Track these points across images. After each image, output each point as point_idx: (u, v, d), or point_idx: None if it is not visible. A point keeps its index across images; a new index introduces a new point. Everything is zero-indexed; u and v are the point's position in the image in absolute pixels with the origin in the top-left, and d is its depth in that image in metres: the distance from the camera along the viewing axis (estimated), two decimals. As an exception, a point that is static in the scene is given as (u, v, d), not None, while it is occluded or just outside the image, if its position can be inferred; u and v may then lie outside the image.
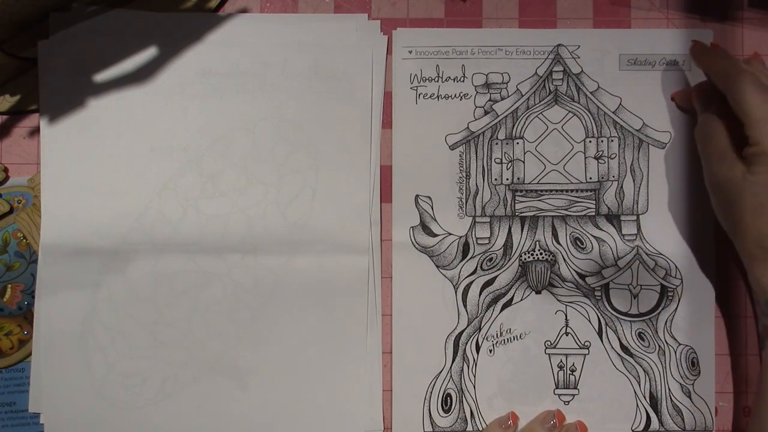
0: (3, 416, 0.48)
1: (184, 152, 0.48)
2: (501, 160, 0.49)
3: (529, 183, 0.49)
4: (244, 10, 0.49)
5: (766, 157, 0.40)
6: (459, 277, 0.48)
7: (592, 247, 0.48)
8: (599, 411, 0.48)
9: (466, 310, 0.48)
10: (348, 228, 0.48)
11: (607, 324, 0.48)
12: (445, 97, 0.49)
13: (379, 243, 0.48)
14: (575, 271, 0.48)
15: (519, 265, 0.48)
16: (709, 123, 0.44)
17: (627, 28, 0.49)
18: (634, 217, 0.48)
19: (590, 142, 0.49)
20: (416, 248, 0.49)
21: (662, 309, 0.48)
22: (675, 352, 0.48)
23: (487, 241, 0.49)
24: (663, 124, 0.49)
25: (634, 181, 0.49)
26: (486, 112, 0.49)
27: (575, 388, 0.48)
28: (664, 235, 0.48)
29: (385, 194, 0.49)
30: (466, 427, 0.48)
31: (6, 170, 0.49)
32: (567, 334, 0.48)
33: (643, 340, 0.48)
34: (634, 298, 0.48)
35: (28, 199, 0.49)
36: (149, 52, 0.48)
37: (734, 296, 0.49)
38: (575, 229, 0.49)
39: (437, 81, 0.49)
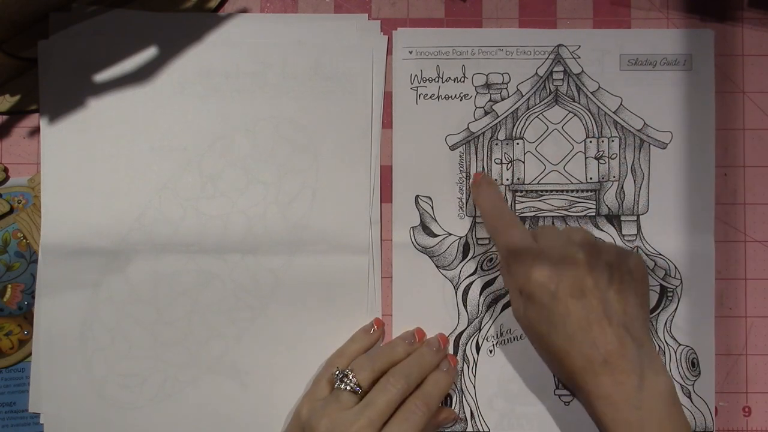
0: (3, 416, 0.48)
1: (184, 152, 0.48)
2: (501, 160, 0.49)
3: (530, 183, 0.49)
4: (244, 10, 0.49)
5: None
6: (459, 278, 0.48)
7: (593, 248, 0.48)
8: (599, 411, 0.48)
9: (467, 311, 0.48)
10: (348, 228, 0.48)
11: (607, 324, 0.48)
12: (445, 97, 0.49)
13: (379, 243, 0.48)
14: (575, 271, 0.48)
15: (519, 266, 0.48)
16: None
17: (627, 28, 0.49)
18: (635, 218, 0.48)
19: (591, 142, 0.49)
20: (416, 248, 0.49)
21: (662, 309, 0.48)
22: (675, 353, 0.48)
23: (487, 242, 0.48)
24: (664, 124, 0.49)
25: (634, 181, 0.48)
26: (486, 113, 0.49)
27: (575, 388, 0.48)
28: (663, 236, 0.48)
29: (385, 194, 0.49)
30: (466, 428, 0.48)
31: (6, 170, 0.49)
32: (567, 334, 0.48)
33: (643, 341, 0.48)
34: (634, 298, 0.48)
35: (28, 199, 0.49)
36: (149, 52, 0.48)
37: (734, 296, 0.49)
38: (575, 230, 0.48)
39: (437, 81, 0.49)
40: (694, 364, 0.48)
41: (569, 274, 0.41)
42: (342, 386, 0.42)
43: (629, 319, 0.41)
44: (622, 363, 0.39)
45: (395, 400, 0.42)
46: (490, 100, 0.49)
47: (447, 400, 0.48)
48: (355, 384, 0.42)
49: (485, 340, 0.48)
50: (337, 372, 0.43)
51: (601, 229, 0.48)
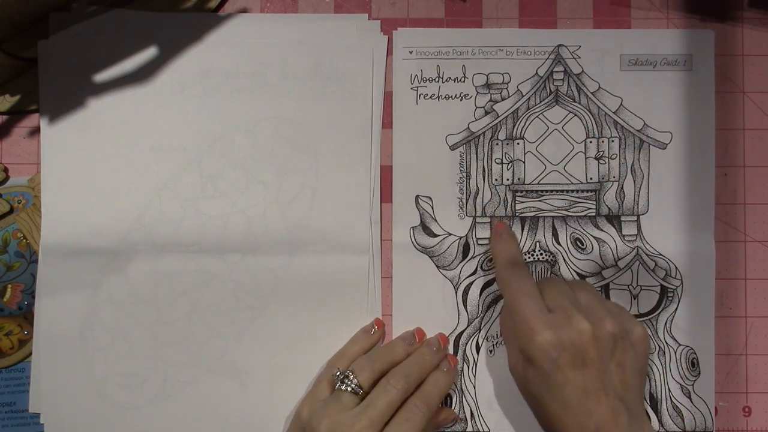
0: (3, 416, 0.48)
1: (184, 152, 0.48)
2: (501, 160, 0.49)
3: (530, 183, 0.49)
4: (244, 10, 0.49)
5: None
6: (459, 278, 0.48)
7: (593, 248, 0.48)
8: (599, 411, 0.48)
9: (467, 311, 0.48)
10: (348, 228, 0.48)
11: (607, 324, 0.48)
12: (445, 97, 0.49)
13: (379, 243, 0.48)
14: (575, 271, 0.48)
15: (519, 266, 0.48)
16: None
17: (627, 28, 0.49)
18: (635, 218, 0.48)
19: (591, 142, 0.49)
20: (416, 248, 0.49)
21: (662, 310, 0.48)
22: (675, 353, 0.48)
23: (487, 242, 0.48)
24: (664, 124, 0.49)
25: (634, 181, 0.49)
26: (486, 113, 0.49)
27: (575, 388, 0.48)
28: (664, 236, 0.48)
29: (385, 194, 0.49)
30: (466, 428, 0.48)
31: (6, 170, 0.49)
32: (567, 334, 0.48)
33: (643, 341, 0.48)
34: (634, 298, 0.48)
35: (28, 199, 0.49)
36: (149, 52, 0.48)
37: (734, 296, 0.49)
38: (575, 230, 0.49)
39: (438, 81, 0.49)
40: (694, 364, 0.48)
41: (573, 343, 0.40)
42: (343, 387, 0.43)
43: (625, 390, 0.41)
44: None
45: (396, 401, 0.42)
46: (490, 100, 0.49)
47: (447, 400, 0.48)
48: (356, 385, 0.42)
49: (485, 340, 0.48)
50: (338, 373, 0.43)
51: (601, 229, 0.48)
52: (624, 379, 0.41)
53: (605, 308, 0.42)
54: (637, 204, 0.48)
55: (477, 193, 0.49)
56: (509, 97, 0.49)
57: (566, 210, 0.49)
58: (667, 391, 0.48)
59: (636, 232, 0.48)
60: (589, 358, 0.40)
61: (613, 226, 0.48)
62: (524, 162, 0.49)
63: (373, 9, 0.49)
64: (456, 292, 0.48)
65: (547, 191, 0.49)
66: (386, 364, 0.44)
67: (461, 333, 0.48)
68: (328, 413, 0.41)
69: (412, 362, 0.45)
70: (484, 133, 0.49)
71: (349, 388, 0.42)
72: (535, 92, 0.49)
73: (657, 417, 0.48)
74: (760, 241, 0.49)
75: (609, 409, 0.40)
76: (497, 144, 0.49)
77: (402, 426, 0.41)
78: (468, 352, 0.48)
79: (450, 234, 0.49)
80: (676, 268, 0.48)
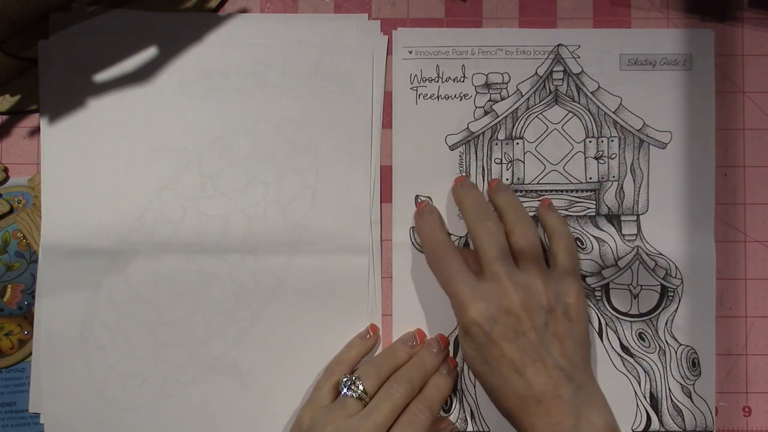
0: (3, 416, 0.48)
1: (184, 152, 0.48)
2: (501, 160, 0.49)
3: (529, 183, 0.49)
4: (244, 10, 0.49)
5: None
6: (459, 278, 0.48)
7: (592, 248, 0.48)
8: (599, 411, 0.48)
9: (466, 311, 0.48)
10: (348, 228, 0.48)
11: (607, 324, 0.48)
12: (445, 97, 0.49)
13: (379, 243, 0.48)
14: (575, 271, 0.48)
15: (519, 266, 0.48)
16: None
17: (627, 28, 0.49)
18: (634, 217, 0.48)
19: (590, 142, 0.49)
20: (416, 248, 0.49)
21: (662, 309, 0.48)
22: (675, 353, 0.48)
23: (487, 242, 0.48)
24: (663, 124, 0.49)
25: (634, 181, 0.49)
26: (486, 113, 0.49)
27: (575, 388, 0.48)
28: (664, 235, 0.48)
29: (385, 194, 0.49)
30: (466, 427, 0.48)
31: (6, 170, 0.49)
32: (567, 334, 0.48)
33: (644, 341, 0.48)
34: (635, 298, 0.48)
35: (28, 199, 0.49)
36: (149, 52, 0.48)
37: (734, 296, 0.49)
38: (575, 230, 0.48)
39: (437, 81, 0.49)
40: (694, 364, 0.48)
41: (505, 315, 0.41)
42: (349, 393, 0.43)
43: (566, 361, 0.41)
44: (557, 404, 0.40)
45: (400, 405, 0.42)
46: (489, 100, 0.49)
47: (447, 400, 0.48)
48: (362, 391, 0.43)
49: (485, 340, 0.48)
50: (345, 379, 0.44)
51: (601, 229, 0.48)
52: (563, 350, 0.41)
53: (541, 275, 0.43)
54: (637, 204, 0.48)
55: (477, 193, 0.49)
56: (509, 96, 0.49)
57: (566, 210, 0.49)
58: (668, 390, 0.48)
59: (636, 232, 0.48)
60: (521, 330, 0.41)
61: (613, 226, 0.48)
62: (524, 162, 0.49)
63: (373, 9, 0.49)
64: (456, 292, 0.48)
65: (546, 191, 0.49)
66: (390, 369, 0.45)
67: (461, 333, 0.48)
68: (332, 419, 0.41)
69: (413, 365, 0.45)
70: (483, 133, 0.49)
71: (355, 395, 0.43)
72: (534, 92, 0.49)
73: (657, 416, 0.48)
74: (760, 241, 0.49)
75: (549, 379, 0.40)
76: (497, 144, 0.49)
77: (406, 430, 0.42)
78: (468, 352, 0.48)
79: (450, 234, 0.49)
80: (677, 267, 0.48)
